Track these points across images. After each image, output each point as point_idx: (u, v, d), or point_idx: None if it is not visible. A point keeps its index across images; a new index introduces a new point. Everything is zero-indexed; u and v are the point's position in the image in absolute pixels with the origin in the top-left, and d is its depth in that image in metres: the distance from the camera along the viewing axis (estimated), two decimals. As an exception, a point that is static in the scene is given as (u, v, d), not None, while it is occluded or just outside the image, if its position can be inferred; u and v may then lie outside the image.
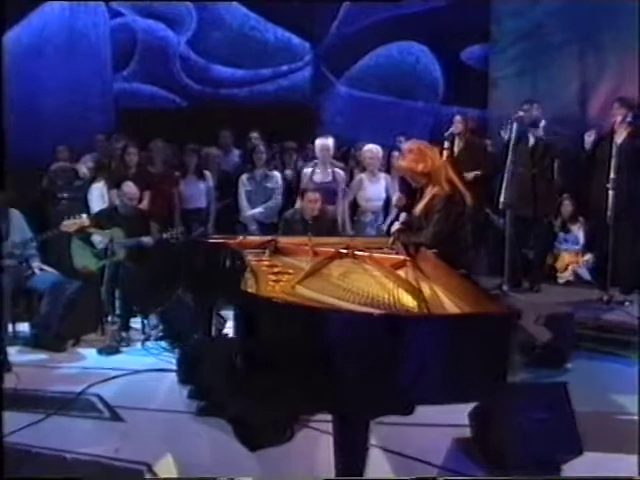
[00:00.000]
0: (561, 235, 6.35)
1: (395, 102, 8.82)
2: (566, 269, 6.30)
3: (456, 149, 5.98)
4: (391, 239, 3.66)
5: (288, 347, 2.18)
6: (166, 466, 2.77)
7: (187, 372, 3.74)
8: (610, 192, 4.94)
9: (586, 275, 6.08)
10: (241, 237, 4.16)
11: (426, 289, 2.73)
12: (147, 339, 4.81)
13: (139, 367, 4.18)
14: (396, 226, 3.77)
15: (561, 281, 6.20)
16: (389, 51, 8.79)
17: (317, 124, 8.67)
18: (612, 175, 4.94)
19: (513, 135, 5.33)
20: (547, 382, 3.41)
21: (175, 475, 2.70)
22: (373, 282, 2.91)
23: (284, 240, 3.95)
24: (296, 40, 8.78)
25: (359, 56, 8.76)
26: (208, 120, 7.66)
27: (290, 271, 3.03)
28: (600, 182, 5.11)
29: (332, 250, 3.44)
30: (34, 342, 4.59)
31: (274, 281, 2.81)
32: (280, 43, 8.77)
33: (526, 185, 5.48)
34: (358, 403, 2.07)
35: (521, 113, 5.48)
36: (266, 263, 3.30)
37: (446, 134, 5.87)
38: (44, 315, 4.54)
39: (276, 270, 3.09)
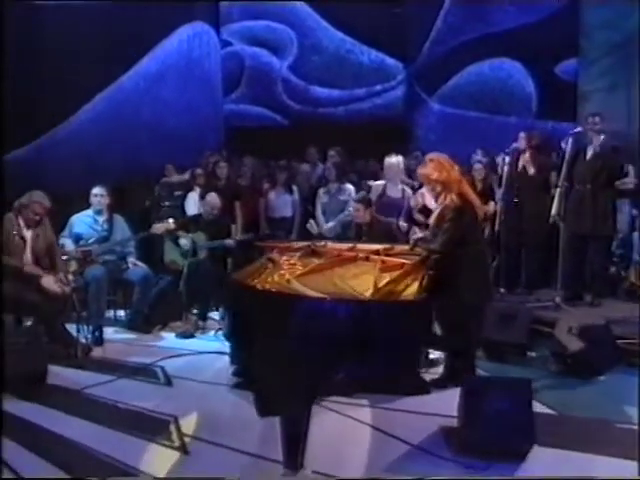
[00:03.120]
0: (650, 248, 6.23)
1: (487, 118, 9.02)
2: (649, 286, 6.16)
3: (520, 165, 6.13)
4: (410, 246, 4.09)
5: (262, 325, 2.73)
6: (189, 420, 3.45)
7: (233, 355, 4.38)
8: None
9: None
10: (294, 242, 4.77)
11: (414, 286, 3.19)
12: (221, 328, 5.54)
13: (204, 349, 4.92)
14: (415, 235, 4.19)
15: (644, 299, 6.08)
16: (480, 68, 9.03)
17: (410, 140, 9.11)
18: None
19: (568, 150, 5.45)
20: (514, 378, 3.63)
21: (193, 425, 3.36)
22: (371, 281, 3.37)
23: (330, 245, 4.50)
24: (390, 61, 9.32)
25: (451, 74, 9.09)
26: (307, 137, 8.39)
27: (300, 268, 3.58)
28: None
29: (352, 254, 3.94)
30: (127, 325, 5.51)
31: (280, 275, 3.38)
32: (374, 64, 9.36)
33: (584, 201, 5.53)
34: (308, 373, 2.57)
35: (579, 128, 5.57)
36: (291, 262, 3.86)
37: (507, 150, 6.07)
38: (135, 303, 5.44)
39: (292, 267, 3.65)
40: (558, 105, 8.51)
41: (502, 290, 6.15)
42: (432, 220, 3.98)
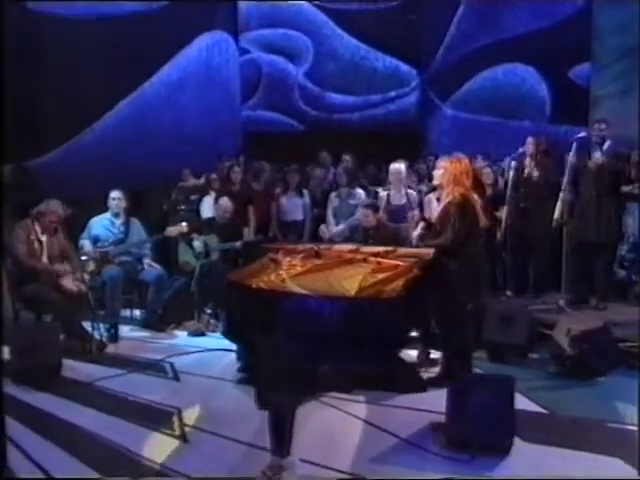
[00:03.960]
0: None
1: (501, 123, 9.10)
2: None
3: (527, 169, 6.22)
4: (414, 243, 4.23)
5: (254, 322, 2.92)
6: (191, 412, 3.66)
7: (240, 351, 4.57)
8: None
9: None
10: (300, 244, 4.97)
11: (402, 285, 3.34)
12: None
13: (213, 347, 5.11)
14: (417, 232, 4.31)
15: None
16: (494, 73, 9.14)
17: (424, 145, 9.23)
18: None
19: (572, 155, 5.53)
20: (497, 375, 3.74)
21: (195, 416, 3.56)
22: (358, 280, 3.52)
23: (336, 247, 4.69)
24: (404, 67, 9.49)
25: (464, 80, 9.21)
26: (323, 142, 8.57)
27: (299, 269, 3.75)
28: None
29: (351, 255, 4.11)
30: (142, 323, 5.75)
31: (277, 274, 3.56)
32: (388, 70, 9.53)
33: (589, 207, 5.59)
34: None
35: (582, 134, 5.64)
36: (292, 262, 4.03)
37: (514, 154, 6.16)
38: (150, 302, 5.67)
39: (292, 267, 3.82)
40: (571, 109, 8.55)
41: (509, 293, 6.24)
42: (435, 219, 4.11)
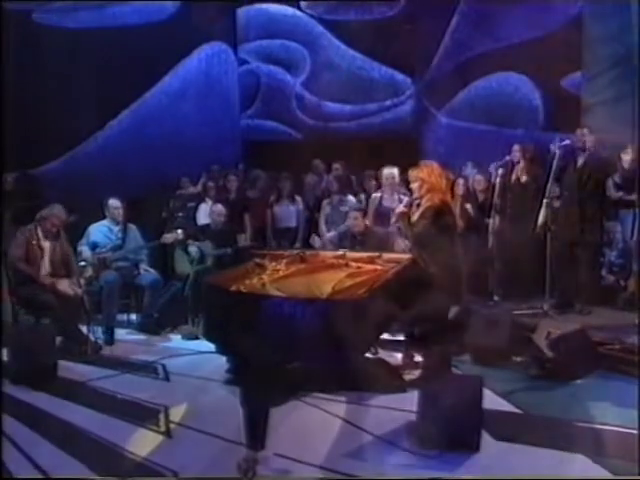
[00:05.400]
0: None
1: (495, 131, 9.22)
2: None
3: (513, 177, 6.37)
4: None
5: (231, 321, 3.09)
6: (178, 409, 3.83)
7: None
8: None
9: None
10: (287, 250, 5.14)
11: (371, 288, 3.51)
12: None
13: (205, 349, 5.27)
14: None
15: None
16: (488, 82, 9.24)
17: (419, 153, 9.35)
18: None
19: (554, 161, 5.68)
20: (466, 375, 3.88)
21: (181, 414, 3.74)
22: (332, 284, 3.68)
23: (322, 253, 4.86)
24: (399, 76, 9.64)
25: (459, 88, 9.33)
26: (320, 150, 8.75)
27: (281, 273, 3.92)
28: None
29: (333, 261, 4.28)
30: (139, 327, 5.94)
31: (259, 278, 3.74)
32: (384, 79, 9.69)
33: (571, 210, 5.74)
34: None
35: (566, 141, 5.80)
36: (276, 267, 4.21)
37: (500, 162, 6.32)
38: (146, 306, 5.86)
39: (275, 272, 4.00)
40: (564, 117, 8.66)
41: (496, 298, 6.38)
42: (414, 218, 4.26)
